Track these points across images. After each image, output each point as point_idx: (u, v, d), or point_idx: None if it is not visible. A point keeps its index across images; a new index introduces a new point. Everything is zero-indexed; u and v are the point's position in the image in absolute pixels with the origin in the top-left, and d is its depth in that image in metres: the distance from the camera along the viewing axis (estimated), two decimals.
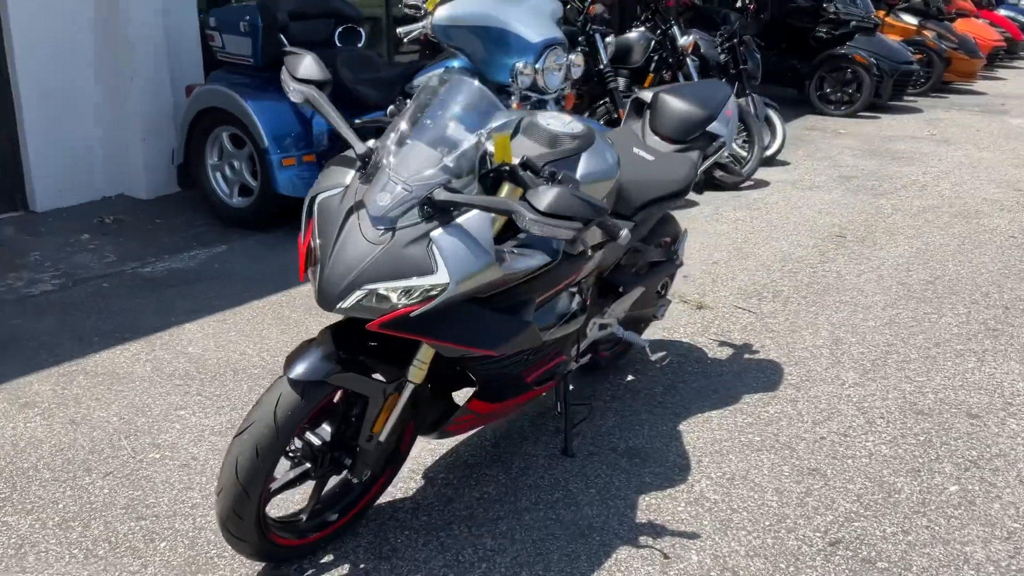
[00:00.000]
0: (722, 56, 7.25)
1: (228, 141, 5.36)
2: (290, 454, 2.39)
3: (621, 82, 6.78)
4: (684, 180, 3.11)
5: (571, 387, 3.50)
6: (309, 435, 2.37)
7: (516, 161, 2.23)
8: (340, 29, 5.73)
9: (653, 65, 6.71)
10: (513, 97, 4.65)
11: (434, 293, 2.08)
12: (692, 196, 6.07)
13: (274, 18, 5.33)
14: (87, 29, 5.63)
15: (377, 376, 2.29)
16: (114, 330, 3.94)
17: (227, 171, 5.42)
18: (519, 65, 4.61)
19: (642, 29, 6.76)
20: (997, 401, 3.46)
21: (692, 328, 4.10)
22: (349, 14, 5.77)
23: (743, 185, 6.50)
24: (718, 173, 6.04)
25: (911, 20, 11.27)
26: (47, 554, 2.50)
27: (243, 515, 2.20)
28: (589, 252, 2.35)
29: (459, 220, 2.12)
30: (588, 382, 3.56)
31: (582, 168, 2.51)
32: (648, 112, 3.31)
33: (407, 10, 4.80)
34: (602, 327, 3.09)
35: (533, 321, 2.34)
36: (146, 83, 5.75)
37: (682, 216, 5.78)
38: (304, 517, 2.49)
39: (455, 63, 4.89)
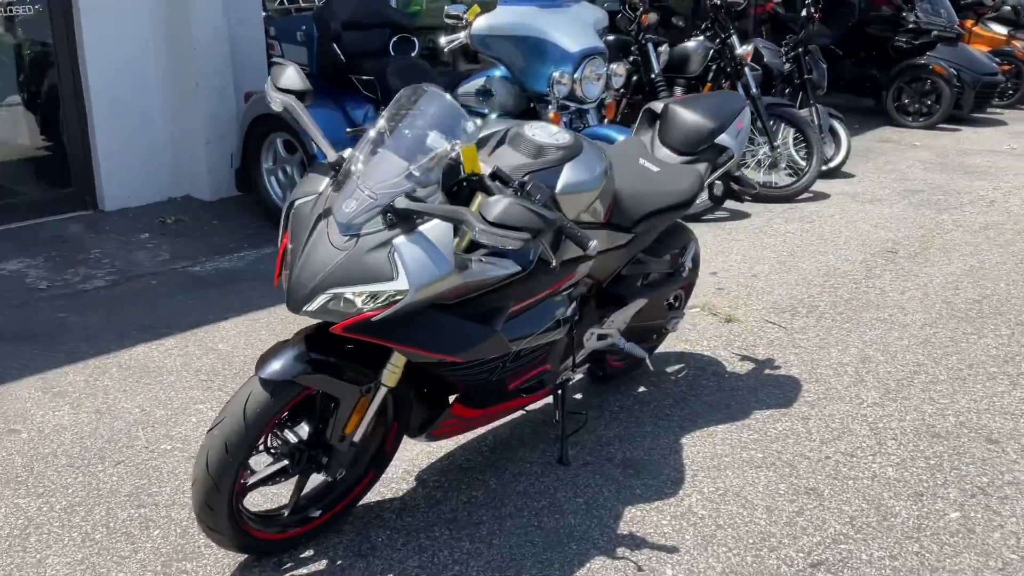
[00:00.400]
0: (787, 65, 7.13)
1: (281, 147, 5.54)
2: (271, 450, 2.47)
3: (678, 91, 6.74)
4: (688, 192, 3.10)
5: (579, 396, 3.52)
6: (287, 432, 2.45)
7: (488, 171, 2.27)
8: (395, 39, 5.86)
9: (711, 75, 6.64)
10: (550, 107, 4.69)
11: (396, 299, 2.14)
12: (734, 207, 6.01)
13: (328, 28, 5.49)
14: (155, 39, 5.89)
15: (350, 378, 2.36)
16: (153, 325, 4.13)
17: (280, 175, 5.60)
18: (556, 74, 4.65)
19: (701, 38, 6.70)
20: (1022, 427, 3.33)
21: (716, 341, 4.05)
22: (403, 24, 5.89)
23: (800, 197, 6.38)
24: (733, 186, 5.92)
25: (1000, 30, 10.84)
26: (48, 536, 2.65)
27: (215, 507, 2.29)
28: (554, 263, 2.36)
29: (421, 228, 2.17)
30: (597, 392, 3.57)
31: (563, 179, 2.54)
32: (658, 123, 3.31)
33: (448, 21, 4.89)
34: (601, 337, 3.10)
35: (500, 329, 2.38)
36: (210, 89, 5.97)
37: (731, 228, 5.72)
38: (286, 512, 2.57)
39: (496, 72, 4.95)
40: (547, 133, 2.61)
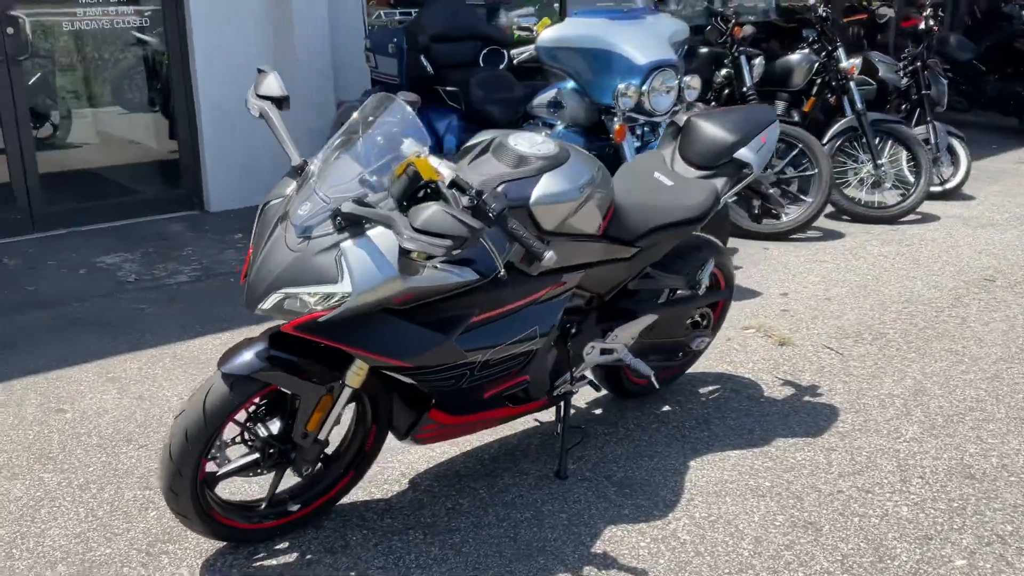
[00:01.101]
0: (904, 80, 6.78)
1: None
2: (248, 442, 2.57)
3: (779, 106, 6.53)
4: (699, 208, 3.01)
5: (599, 411, 3.47)
6: (259, 427, 2.54)
7: (449, 179, 2.29)
8: (485, 51, 5.94)
9: (815, 88, 6.40)
10: (616, 119, 4.64)
11: (340, 301, 2.19)
12: (828, 226, 5.76)
13: (416, 40, 5.64)
14: (262, 50, 6.21)
15: (310, 377, 2.43)
16: (217, 320, 4.35)
17: None
18: (621, 87, 4.59)
19: (806, 51, 6.46)
20: None
21: (762, 364, 3.90)
22: (494, 36, 5.96)
23: (905, 219, 6.05)
24: (755, 203, 5.62)
25: None
26: (57, 510, 2.85)
27: (178, 491, 2.41)
28: (501, 271, 2.34)
29: (369, 233, 2.21)
30: (618, 409, 3.51)
31: (539, 189, 2.52)
32: (680, 136, 3.23)
33: (519, 32, 4.92)
34: (605, 352, 3.05)
35: (461, 337, 2.39)
36: (309, 98, 6.24)
37: (819, 248, 5.49)
38: (263, 505, 2.67)
39: (568, 84, 4.94)
40: (530, 143, 2.61)
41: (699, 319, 3.45)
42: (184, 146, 6.20)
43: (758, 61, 5.88)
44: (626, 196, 2.97)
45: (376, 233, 2.21)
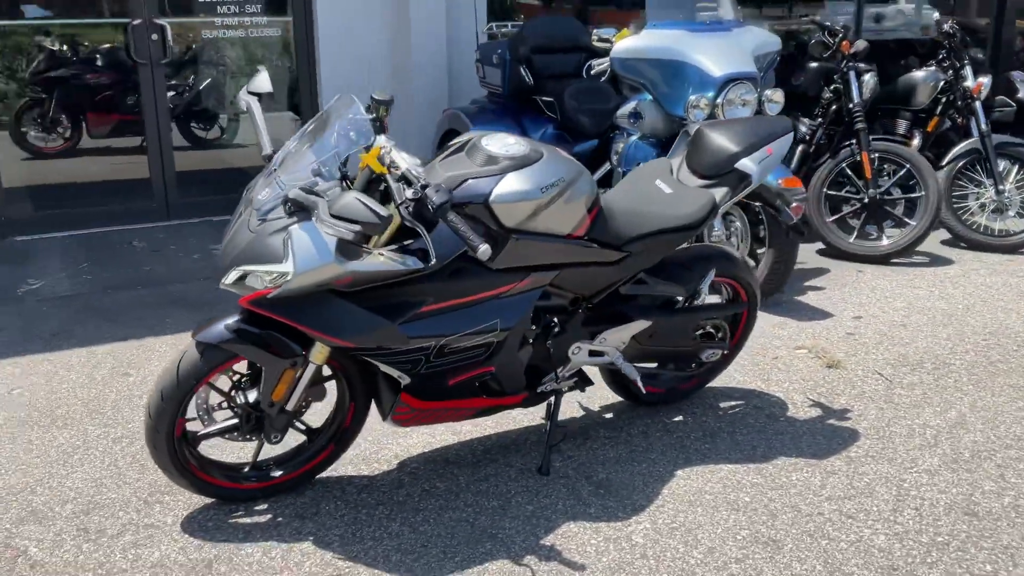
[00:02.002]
0: None
1: None
2: (233, 408, 2.82)
3: (901, 125, 6.24)
4: (693, 216, 3.00)
5: (609, 416, 3.51)
6: (239, 394, 2.78)
7: (399, 173, 2.45)
8: (589, 62, 6.04)
9: (940, 108, 6.07)
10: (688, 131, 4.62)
11: (283, 280, 2.39)
12: (940, 252, 5.47)
13: (518, 51, 5.82)
14: (380, 58, 6.58)
15: (275, 351, 2.63)
16: None
17: None
18: (692, 98, 4.58)
19: (932, 68, 6.14)
20: None
21: (799, 384, 3.80)
22: (596, 48, 6.05)
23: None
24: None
25: None
26: (88, 456, 3.20)
27: (157, 446, 2.67)
28: (433, 261, 2.45)
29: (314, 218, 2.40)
30: (630, 415, 3.52)
31: (500, 187, 2.62)
32: (689, 145, 3.23)
33: (598, 43, 4.99)
34: (595, 354, 3.09)
35: (407, 324, 2.53)
36: (425, 104, 6.55)
37: (917, 273, 5.22)
38: (247, 468, 2.90)
39: (648, 96, 4.96)
40: (501, 144, 2.71)
41: (712, 331, 3.42)
42: None
43: (868, 77, 5.64)
44: (618, 201, 3.02)
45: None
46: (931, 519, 2.83)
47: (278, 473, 2.93)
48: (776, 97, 4.77)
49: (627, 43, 4.79)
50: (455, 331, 2.65)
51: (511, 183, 2.63)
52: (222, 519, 2.83)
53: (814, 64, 5.93)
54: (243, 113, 2.58)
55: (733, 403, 3.64)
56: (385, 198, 2.52)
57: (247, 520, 2.83)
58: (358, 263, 2.41)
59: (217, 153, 7.22)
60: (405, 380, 2.75)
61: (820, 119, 5.80)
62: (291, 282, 2.38)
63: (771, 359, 4.06)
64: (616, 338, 3.09)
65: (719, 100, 4.62)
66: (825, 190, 5.56)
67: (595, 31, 4.98)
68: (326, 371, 2.86)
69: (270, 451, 2.97)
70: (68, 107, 6.49)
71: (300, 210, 2.42)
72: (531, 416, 3.46)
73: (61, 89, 6.41)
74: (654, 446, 3.29)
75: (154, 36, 5.99)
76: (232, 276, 2.48)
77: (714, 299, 3.54)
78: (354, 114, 2.54)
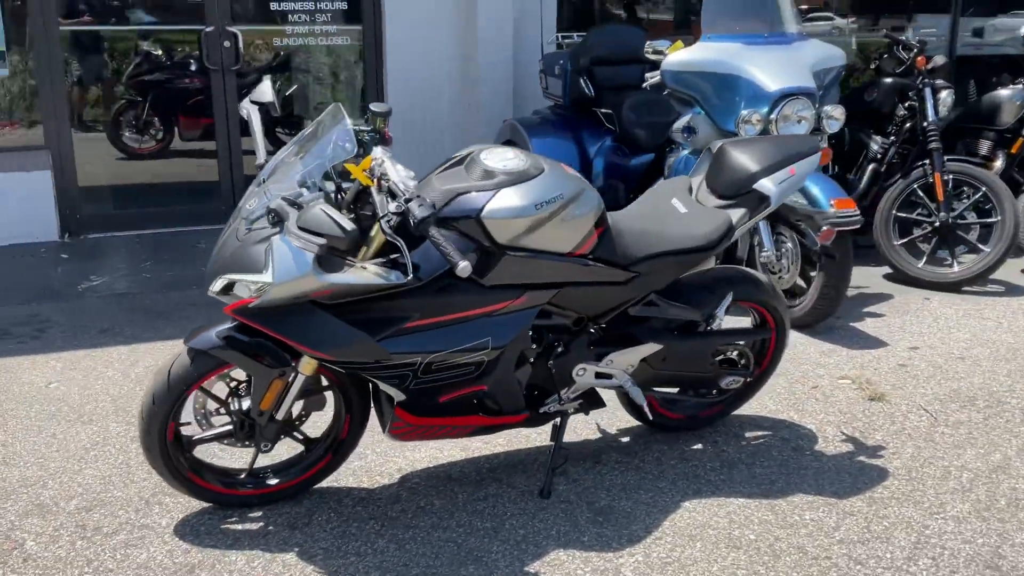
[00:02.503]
0: None
1: None
2: (231, 415, 2.83)
3: (984, 145, 5.91)
4: (706, 237, 2.88)
5: (626, 439, 3.41)
6: (234, 401, 2.79)
7: (387, 185, 2.42)
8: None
9: None
10: None
11: (262, 290, 2.39)
12: (1007, 281, 5.16)
13: (578, 63, 5.75)
14: (447, 69, 6.60)
15: (264, 360, 2.63)
16: None
17: None
18: (744, 113, 4.43)
19: (1020, 86, 5.79)
20: None
21: (834, 417, 3.61)
22: (650, 60, 5.92)
23: None
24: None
25: None
26: (102, 454, 3.27)
27: (148, 448, 2.71)
28: (409, 275, 2.39)
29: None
30: (647, 440, 3.40)
31: (492, 203, 2.56)
32: (710, 163, 3.10)
33: (651, 56, 4.87)
34: (602, 376, 2.99)
35: (389, 339, 2.49)
36: (489, 115, 6.53)
37: (988, 304, 4.93)
38: (243, 475, 2.92)
39: (702, 110, 4.82)
40: (500, 159, 2.65)
41: (734, 358, 3.27)
42: None
43: (945, 95, 5.35)
44: (629, 219, 2.92)
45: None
46: (948, 570, 2.64)
47: (275, 481, 2.93)
48: (836, 114, 4.58)
49: (679, 55, 4.66)
50: (442, 348, 2.60)
51: (505, 199, 2.57)
52: (215, 524, 2.84)
53: (889, 80, 5.66)
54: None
55: (759, 433, 3.48)
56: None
57: (239, 527, 2.84)
58: (338, 275, 2.39)
59: None
60: (398, 396, 2.72)
61: (893, 137, 5.53)
62: (270, 292, 2.38)
63: (810, 388, 3.88)
64: (624, 361, 2.98)
65: (773, 116, 4.46)
66: (895, 212, 5.30)
67: (649, 42, 4.86)
68: (326, 381, 2.85)
69: (269, 459, 2.98)
70: (160, 110, 6.69)
71: (282, 220, 2.41)
72: (543, 435, 3.37)
73: (155, 92, 6.61)
74: (665, 474, 3.17)
75: (226, 43, 6.15)
76: (218, 284, 2.50)
77: (743, 323, 3.40)
78: (340, 125, 2.52)
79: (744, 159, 2.99)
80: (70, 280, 5.22)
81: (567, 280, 2.75)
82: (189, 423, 2.82)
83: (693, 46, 4.69)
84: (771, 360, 3.40)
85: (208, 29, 6.12)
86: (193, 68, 6.40)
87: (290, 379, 2.68)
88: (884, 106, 5.63)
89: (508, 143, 5.88)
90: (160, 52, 6.55)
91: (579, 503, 2.99)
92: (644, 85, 4.99)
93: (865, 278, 5.34)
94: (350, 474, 3.13)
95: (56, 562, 2.65)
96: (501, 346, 2.68)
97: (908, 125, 5.48)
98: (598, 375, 2.99)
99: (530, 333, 2.85)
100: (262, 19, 6.39)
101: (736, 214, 2.96)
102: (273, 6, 6.33)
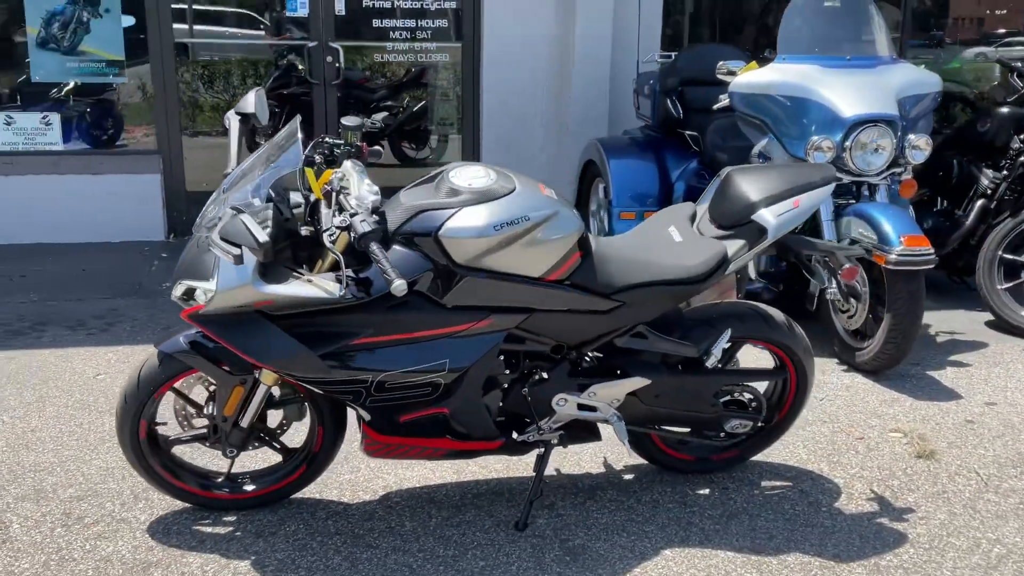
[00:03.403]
0: None
1: (602, 192, 5.77)
2: (206, 418, 2.87)
3: None
4: (695, 269, 2.69)
5: (630, 476, 3.24)
6: (209, 404, 2.83)
7: (339, 198, 2.41)
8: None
9: None
10: None
11: (206, 298, 2.41)
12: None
13: (666, 83, 5.58)
14: (542, 83, 6.55)
15: (227, 366, 2.66)
16: None
17: (602, 217, 5.83)
18: (815, 139, 4.15)
19: None
20: None
21: (868, 473, 3.30)
22: (724, 81, 5.65)
23: None
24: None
25: None
26: (116, 447, 3.33)
27: (122, 444, 2.79)
28: (344, 290, 2.33)
29: None
30: (651, 478, 3.22)
31: (450, 221, 2.48)
32: (716, 191, 2.90)
33: (723, 76, 4.64)
34: (584, 408, 2.84)
35: (334, 353, 2.46)
36: (581, 133, 6.42)
37: None
38: (221, 479, 2.95)
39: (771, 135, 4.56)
40: (469, 177, 2.57)
41: (745, 400, 3.05)
42: None
43: None
44: (617, 246, 2.78)
45: None
46: None
47: (251, 488, 2.95)
48: (921, 144, 4.23)
49: (748, 77, 4.43)
50: (393, 367, 2.54)
51: (463, 218, 2.49)
52: (187, 525, 2.89)
53: (1005, 109, 5.17)
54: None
55: (777, 483, 3.23)
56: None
57: (208, 529, 2.87)
58: (277, 287, 2.38)
59: (414, 171, 7.39)
60: (362, 412, 2.68)
61: (1006, 172, 5.05)
62: (213, 300, 2.39)
63: (854, 439, 3.57)
64: (607, 394, 2.83)
65: (847, 143, 4.16)
66: (1001, 253, 4.83)
67: (722, 63, 4.64)
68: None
69: (248, 464, 3.01)
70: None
71: None
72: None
73: (292, 104, 6.87)
74: (656, 518, 2.98)
75: (328, 58, 6.34)
76: (178, 290, 2.53)
77: (761, 364, 3.18)
78: (291, 139, 2.51)
79: (745, 188, 2.78)
80: (157, 279, 5.49)
81: (538, 306, 2.64)
82: (166, 423, 2.88)
83: (765, 67, 4.44)
84: (791, 406, 3.15)
85: (312, 44, 6.32)
86: (298, 80, 6.63)
87: (250, 387, 2.69)
88: (998, 138, 5.15)
89: (590, 163, 5.78)
90: (280, 63, 6.83)
91: (553, 539, 2.85)
92: (714, 107, 4.77)
93: (963, 323, 4.90)
94: (335, 486, 3.12)
95: (29, 547, 2.76)
96: (459, 368, 2.60)
97: (1022, 159, 4.99)
98: (581, 406, 2.85)
99: (500, 357, 2.75)
100: (366, 35, 6.55)
101: (733, 246, 2.75)
102: (376, 23, 6.47)
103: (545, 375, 2.80)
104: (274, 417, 2.97)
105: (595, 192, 5.86)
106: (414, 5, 6.46)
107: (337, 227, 2.36)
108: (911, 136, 4.22)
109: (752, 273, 4.51)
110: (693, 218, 2.93)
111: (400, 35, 6.52)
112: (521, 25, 6.38)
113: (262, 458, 3.07)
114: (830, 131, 4.18)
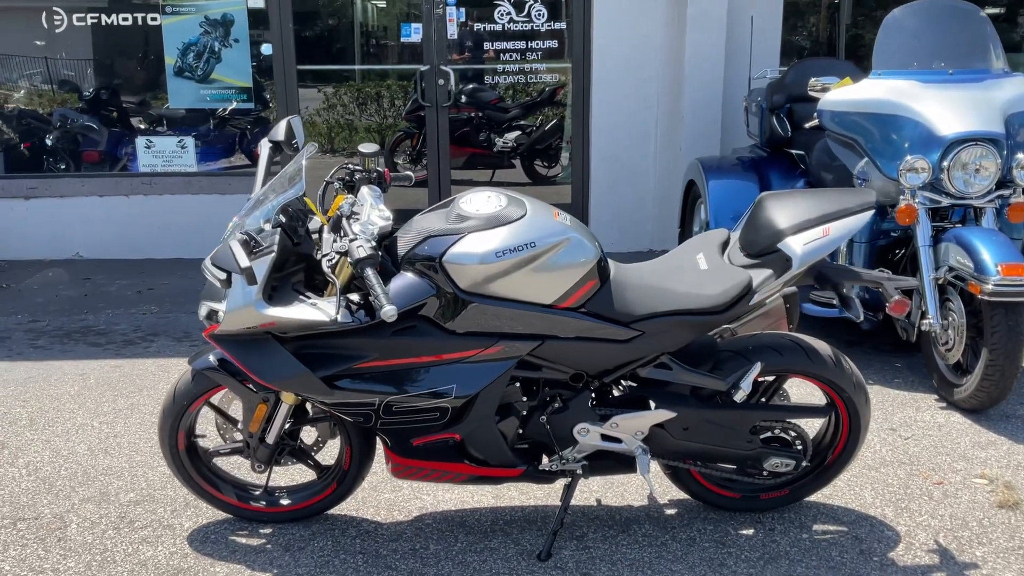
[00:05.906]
0: None
1: (703, 211, 5.60)
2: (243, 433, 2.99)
3: None
4: (715, 299, 2.57)
5: (673, 512, 3.13)
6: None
7: (343, 224, 2.45)
8: None
9: None
10: (903, 197, 3.93)
11: (219, 318, 2.51)
12: None
13: (773, 100, 5.37)
14: (653, 105, 6.44)
15: (252, 385, 2.75)
16: None
17: None
18: (909, 159, 3.88)
19: None
20: None
21: (941, 521, 3.04)
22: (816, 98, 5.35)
23: None
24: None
25: None
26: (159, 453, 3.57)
27: (164, 454, 2.93)
28: (335, 315, 2.34)
29: (253, 263, 2.47)
30: (692, 514, 3.09)
31: (455, 248, 2.48)
32: (748, 217, 2.76)
33: (816, 93, 4.40)
34: (608, 439, 2.76)
35: (338, 376, 2.50)
36: (691, 153, 6.26)
37: None
38: (258, 491, 3.05)
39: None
40: (480, 203, 2.56)
41: (789, 437, 2.88)
42: (575, 190, 6.72)
43: None
44: (638, 273, 2.70)
45: (257, 263, 2.45)
46: None
47: (286, 502, 3.03)
48: None
49: (838, 93, 4.19)
50: (397, 391, 2.55)
51: (468, 244, 2.48)
52: (224, 534, 3.00)
53: None
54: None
55: (832, 527, 3.02)
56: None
57: (243, 540, 2.97)
58: (277, 310, 2.44)
59: (543, 189, 7.37)
60: (379, 434, 2.72)
61: None
62: (224, 321, 2.49)
63: (932, 483, 3.30)
64: (630, 425, 2.74)
65: (945, 163, 3.87)
66: None
67: (815, 79, 4.42)
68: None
69: (286, 479, 3.10)
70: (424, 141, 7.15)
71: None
72: (585, 493, 3.19)
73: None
74: (688, 557, 2.86)
75: (440, 81, 6.47)
76: (202, 310, 2.64)
77: (811, 400, 3.00)
78: (297, 165, 2.58)
79: (775, 214, 2.63)
80: None
81: (551, 333, 2.59)
82: (205, 435, 3.00)
83: (859, 83, 4.19)
84: (845, 447, 2.94)
85: (424, 68, 6.47)
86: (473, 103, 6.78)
87: (273, 405, 2.77)
88: None
89: (691, 183, 5.64)
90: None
91: (574, 572, 2.78)
92: (806, 126, 4.54)
93: None
94: (372, 504, 3.17)
95: (80, 547, 2.94)
96: (467, 394, 2.58)
97: None
98: (604, 437, 2.77)
99: (516, 384, 2.71)
100: (475, 59, 6.65)
101: (760, 275, 2.61)
102: (487, 45, 6.55)
103: (564, 404, 2.74)
104: (310, 434, 3.05)
105: (697, 212, 5.70)
106: (523, 28, 6.51)
107: (336, 252, 2.40)
108: (1021, 156, 3.88)
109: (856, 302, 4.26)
110: (725, 245, 2.80)
111: (511, 56, 6.57)
112: (631, 43, 6.31)
113: (300, 474, 3.15)
114: (925, 150, 3.89)
